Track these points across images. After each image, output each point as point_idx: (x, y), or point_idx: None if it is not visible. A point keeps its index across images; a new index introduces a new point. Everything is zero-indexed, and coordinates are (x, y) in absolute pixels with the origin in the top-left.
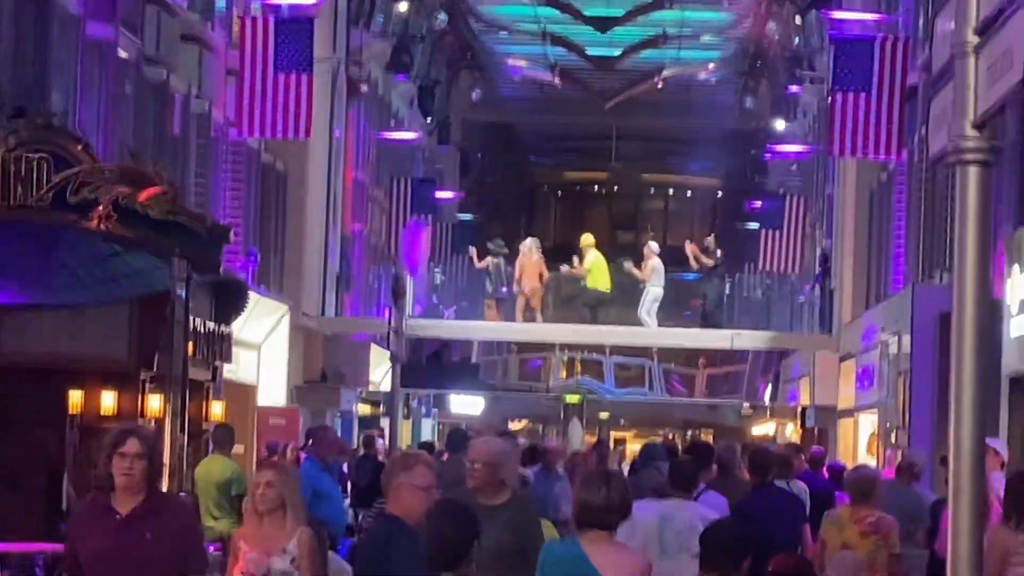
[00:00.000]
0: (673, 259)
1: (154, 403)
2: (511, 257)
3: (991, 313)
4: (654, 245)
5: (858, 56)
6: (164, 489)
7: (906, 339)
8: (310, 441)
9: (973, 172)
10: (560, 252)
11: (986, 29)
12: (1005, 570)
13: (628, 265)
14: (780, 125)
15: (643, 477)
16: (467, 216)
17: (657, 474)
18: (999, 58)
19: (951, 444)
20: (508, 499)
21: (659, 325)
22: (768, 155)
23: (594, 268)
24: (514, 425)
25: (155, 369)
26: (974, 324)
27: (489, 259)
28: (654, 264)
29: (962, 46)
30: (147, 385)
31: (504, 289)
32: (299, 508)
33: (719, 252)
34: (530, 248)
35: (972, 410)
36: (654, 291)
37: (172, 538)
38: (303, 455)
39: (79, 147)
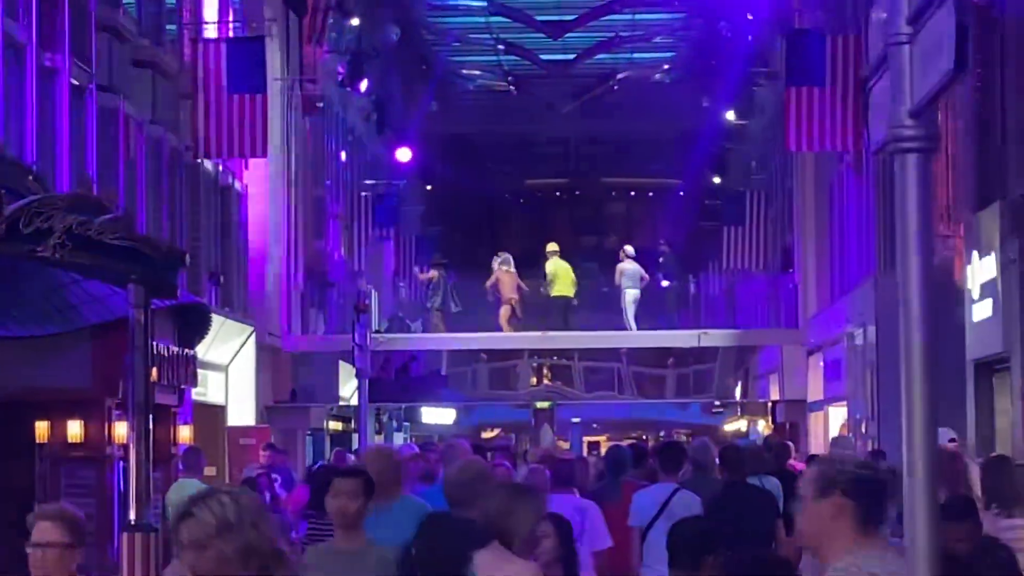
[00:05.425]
0: (638, 262)
1: (121, 430)
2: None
3: (935, 302)
4: (629, 249)
5: (810, 50)
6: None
7: (871, 330)
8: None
9: (912, 160)
10: (525, 259)
11: (918, 17)
12: None
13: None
14: (737, 122)
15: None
16: (430, 228)
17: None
18: (932, 46)
19: (904, 433)
20: None
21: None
22: (727, 153)
23: (554, 276)
24: (487, 434)
25: (120, 396)
26: (920, 313)
27: (434, 272)
28: (624, 267)
29: (895, 36)
30: (113, 412)
31: (452, 303)
32: None
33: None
34: (506, 262)
35: (922, 400)
36: (630, 294)
37: None
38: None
39: (30, 178)
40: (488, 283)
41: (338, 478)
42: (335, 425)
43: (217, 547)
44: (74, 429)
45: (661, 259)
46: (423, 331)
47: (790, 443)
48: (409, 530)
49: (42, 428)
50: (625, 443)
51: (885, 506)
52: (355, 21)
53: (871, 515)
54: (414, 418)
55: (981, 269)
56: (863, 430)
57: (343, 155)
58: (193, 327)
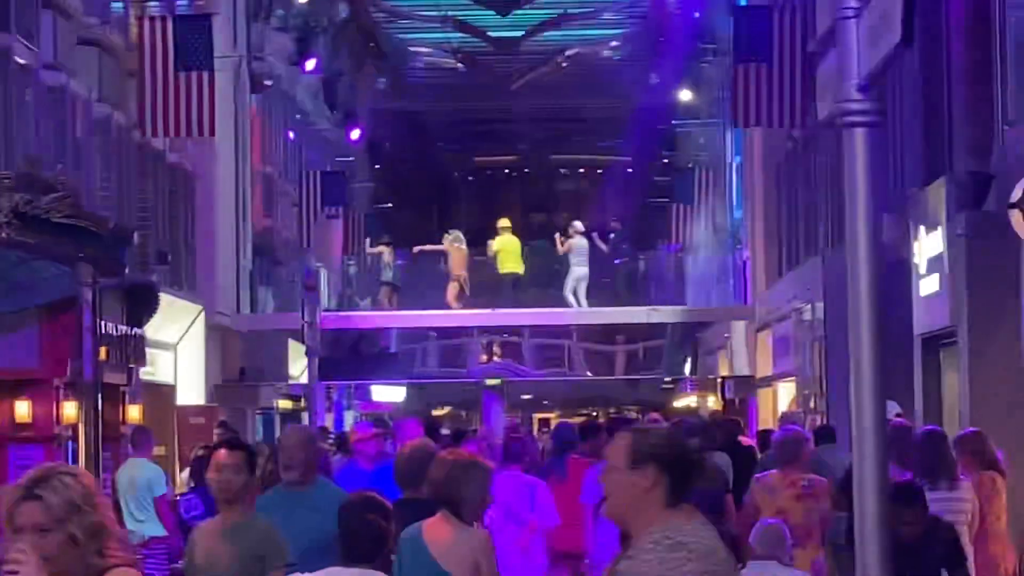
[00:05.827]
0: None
1: (69, 410)
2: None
3: (881, 275)
4: (578, 224)
5: (758, 26)
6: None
7: (820, 305)
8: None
9: (859, 134)
10: (475, 237)
11: None
12: None
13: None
14: (686, 99)
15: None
16: (379, 206)
17: None
18: (878, 19)
19: (853, 407)
20: None
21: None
22: (675, 130)
23: (501, 251)
24: (437, 412)
25: (68, 375)
26: (869, 286)
27: (383, 247)
28: (573, 243)
29: (842, 10)
30: (61, 392)
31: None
32: None
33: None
34: (457, 239)
35: (870, 375)
36: (576, 270)
37: None
38: None
39: None
40: (420, 248)
41: (218, 452)
42: (285, 404)
43: (65, 529)
44: (22, 409)
45: (612, 235)
46: (373, 309)
47: (738, 419)
48: (327, 514)
49: None
50: (576, 420)
51: (693, 480)
52: None
53: (682, 488)
54: (364, 396)
55: (928, 244)
56: (812, 405)
57: (291, 133)
58: (141, 306)
